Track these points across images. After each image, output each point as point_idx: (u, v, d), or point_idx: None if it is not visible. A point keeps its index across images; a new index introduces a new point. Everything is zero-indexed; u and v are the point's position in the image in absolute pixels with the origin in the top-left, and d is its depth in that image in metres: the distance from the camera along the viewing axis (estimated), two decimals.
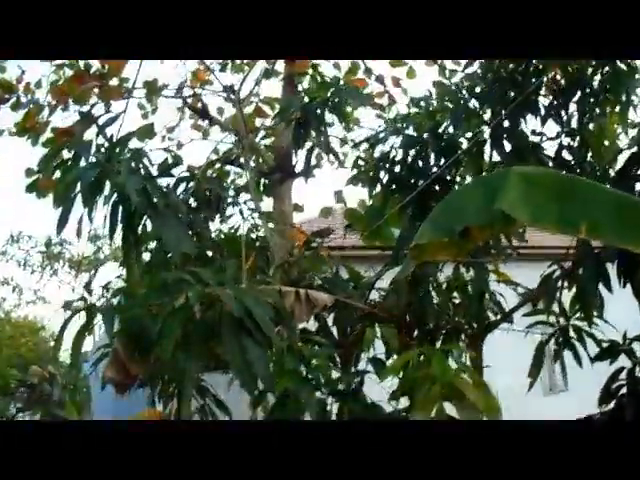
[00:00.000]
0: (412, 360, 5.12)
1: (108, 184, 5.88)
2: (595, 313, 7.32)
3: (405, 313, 6.85)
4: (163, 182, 6.49)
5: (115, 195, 5.87)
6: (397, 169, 8.30)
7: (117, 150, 6.09)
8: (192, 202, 7.91)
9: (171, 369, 5.57)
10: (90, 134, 6.32)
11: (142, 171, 6.18)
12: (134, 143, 6.60)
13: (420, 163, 8.16)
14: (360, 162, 8.97)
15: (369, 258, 9.70)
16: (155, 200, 5.94)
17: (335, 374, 5.94)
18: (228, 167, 10.54)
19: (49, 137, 10.14)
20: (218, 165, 10.31)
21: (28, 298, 33.52)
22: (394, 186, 8.34)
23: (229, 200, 8.85)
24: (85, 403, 31.00)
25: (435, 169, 7.94)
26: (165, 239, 5.95)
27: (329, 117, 8.75)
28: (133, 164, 6.10)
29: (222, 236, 8.73)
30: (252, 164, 9.61)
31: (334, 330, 7.03)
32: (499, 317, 7.79)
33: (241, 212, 8.92)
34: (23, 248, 33.47)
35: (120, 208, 5.90)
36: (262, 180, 9.87)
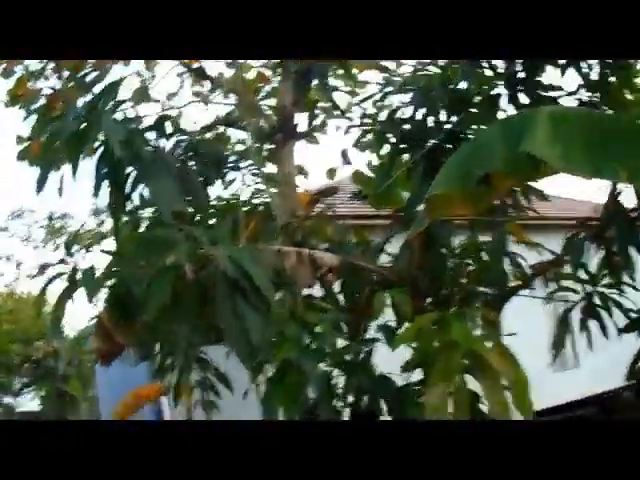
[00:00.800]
0: (427, 326, 4.59)
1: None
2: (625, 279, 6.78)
3: (417, 277, 6.33)
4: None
5: (101, 150, 5.41)
6: (406, 127, 7.83)
7: (102, 101, 5.58)
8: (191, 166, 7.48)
9: (159, 335, 5.12)
10: None
11: (130, 125, 5.72)
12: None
13: (430, 120, 7.66)
14: (367, 120, 8.55)
15: (375, 227, 9.29)
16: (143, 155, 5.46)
17: (341, 343, 5.48)
18: (229, 132, 10.10)
19: (41, 104, 9.73)
20: (219, 130, 9.90)
21: (29, 272, 33.11)
22: (403, 145, 7.88)
23: (230, 165, 8.43)
24: (89, 378, 30.97)
25: (446, 126, 7.45)
26: (153, 195, 5.44)
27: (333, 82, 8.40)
28: (119, 116, 5.63)
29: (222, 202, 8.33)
30: (253, 124, 9.16)
31: (341, 298, 6.54)
32: (519, 283, 7.26)
33: (242, 177, 8.52)
34: (25, 224, 33.11)
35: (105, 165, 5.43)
36: (264, 146, 9.42)
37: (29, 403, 33.49)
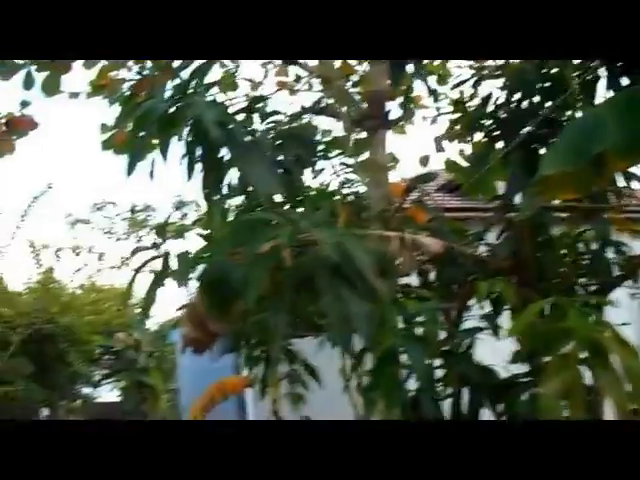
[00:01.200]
0: (538, 315, 4.33)
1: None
2: None
3: (522, 264, 6.08)
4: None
5: (192, 132, 5.25)
6: (500, 113, 7.62)
7: (193, 83, 5.43)
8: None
9: (256, 325, 4.96)
10: None
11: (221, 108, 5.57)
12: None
13: (526, 105, 7.43)
14: (457, 107, 8.41)
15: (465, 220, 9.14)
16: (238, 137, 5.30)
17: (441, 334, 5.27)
18: (317, 120, 9.96)
19: (124, 94, 9.69)
20: (305, 118, 9.76)
21: (112, 264, 33.40)
22: (497, 132, 7.67)
23: (319, 153, 8.30)
24: (170, 370, 31.22)
25: (542, 111, 7.22)
26: (249, 176, 5.28)
27: None
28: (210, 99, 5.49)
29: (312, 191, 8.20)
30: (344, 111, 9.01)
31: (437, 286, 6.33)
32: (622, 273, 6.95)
33: (332, 166, 8.39)
34: (107, 216, 33.34)
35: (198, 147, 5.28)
36: (355, 134, 9.28)
37: (108, 394, 33.99)
